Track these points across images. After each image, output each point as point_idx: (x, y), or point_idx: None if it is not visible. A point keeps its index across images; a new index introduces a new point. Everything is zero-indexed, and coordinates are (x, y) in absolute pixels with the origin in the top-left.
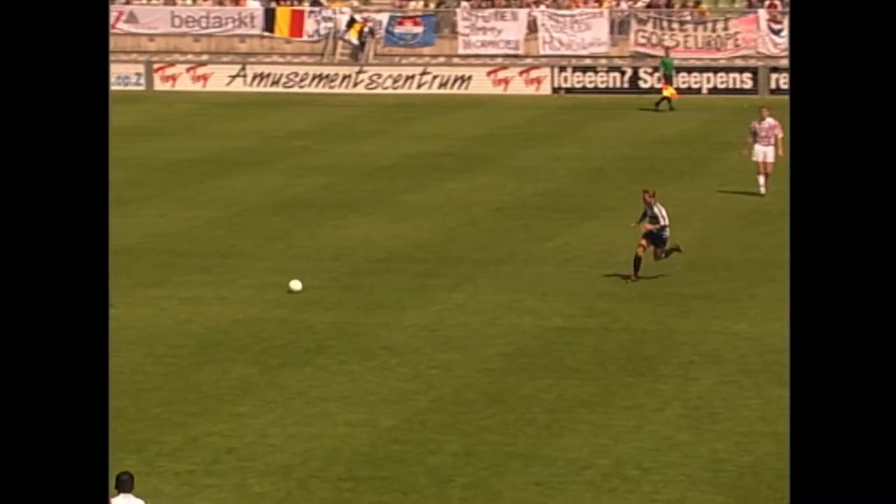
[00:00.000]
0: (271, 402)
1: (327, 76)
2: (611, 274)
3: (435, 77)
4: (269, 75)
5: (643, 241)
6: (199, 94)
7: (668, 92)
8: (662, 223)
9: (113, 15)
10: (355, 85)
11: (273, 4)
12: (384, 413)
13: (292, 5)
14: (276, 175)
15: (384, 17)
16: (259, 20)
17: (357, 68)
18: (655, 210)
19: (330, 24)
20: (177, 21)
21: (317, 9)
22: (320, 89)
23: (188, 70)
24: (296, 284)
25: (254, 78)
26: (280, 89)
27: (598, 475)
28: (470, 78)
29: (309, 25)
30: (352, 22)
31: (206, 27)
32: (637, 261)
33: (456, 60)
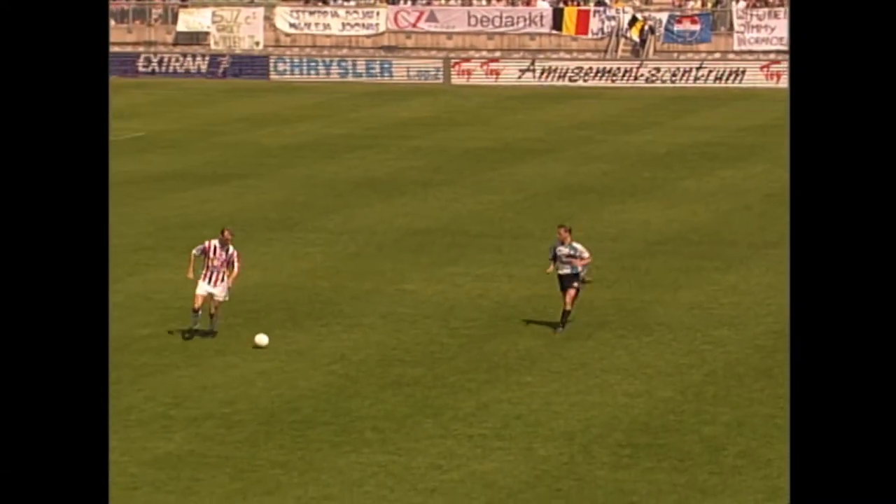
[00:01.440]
0: (556, 372)
1: (610, 71)
2: None
3: (710, 71)
4: (556, 70)
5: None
6: (492, 88)
7: None
8: (582, 260)
9: (414, 15)
10: (635, 79)
11: (561, 4)
12: (660, 385)
13: (579, 5)
14: (561, 163)
15: (664, 16)
16: (548, 19)
17: (638, 63)
18: (575, 247)
19: (613, 23)
20: (472, 20)
21: (601, 8)
22: (603, 83)
23: (482, 65)
24: (262, 339)
25: (542, 72)
26: (566, 83)
27: None
28: (744, 72)
29: (594, 24)
30: (633, 20)
31: (499, 26)
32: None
33: (731, 56)
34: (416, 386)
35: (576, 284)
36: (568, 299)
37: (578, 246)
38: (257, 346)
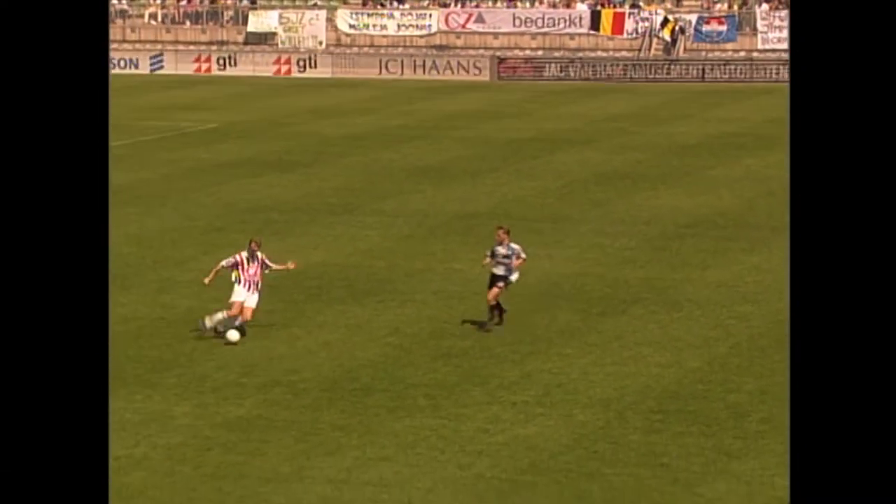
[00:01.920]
0: (592, 344)
1: (643, 67)
2: None
3: (736, 68)
4: (593, 67)
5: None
6: (534, 83)
7: None
8: (519, 259)
9: (464, 16)
10: (667, 74)
11: (598, 7)
12: (689, 356)
13: (615, 7)
14: (598, 152)
15: (693, 17)
16: (586, 20)
17: (669, 61)
18: (513, 248)
19: (646, 24)
20: (517, 21)
21: (636, 10)
22: (637, 79)
23: (525, 62)
24: (233, 335)
25: (581, 69)
26: (603, 79)
27: None
28: (767, 69)
29: (629, 25)
30: (665, 21)
31: (542, 26)
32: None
33: (755, 55)
34: (464, 357)
35: (500, 284)
36: (490, 295)
37: (516, 246)
38: (229, 342)
